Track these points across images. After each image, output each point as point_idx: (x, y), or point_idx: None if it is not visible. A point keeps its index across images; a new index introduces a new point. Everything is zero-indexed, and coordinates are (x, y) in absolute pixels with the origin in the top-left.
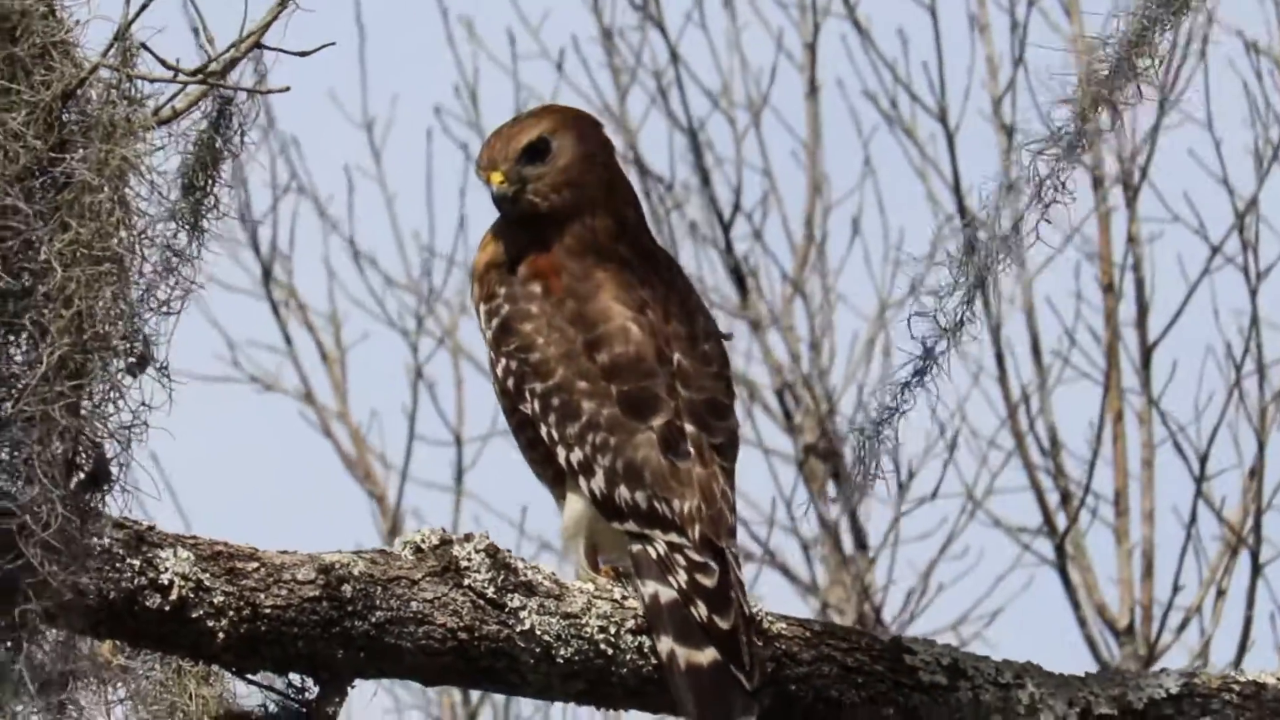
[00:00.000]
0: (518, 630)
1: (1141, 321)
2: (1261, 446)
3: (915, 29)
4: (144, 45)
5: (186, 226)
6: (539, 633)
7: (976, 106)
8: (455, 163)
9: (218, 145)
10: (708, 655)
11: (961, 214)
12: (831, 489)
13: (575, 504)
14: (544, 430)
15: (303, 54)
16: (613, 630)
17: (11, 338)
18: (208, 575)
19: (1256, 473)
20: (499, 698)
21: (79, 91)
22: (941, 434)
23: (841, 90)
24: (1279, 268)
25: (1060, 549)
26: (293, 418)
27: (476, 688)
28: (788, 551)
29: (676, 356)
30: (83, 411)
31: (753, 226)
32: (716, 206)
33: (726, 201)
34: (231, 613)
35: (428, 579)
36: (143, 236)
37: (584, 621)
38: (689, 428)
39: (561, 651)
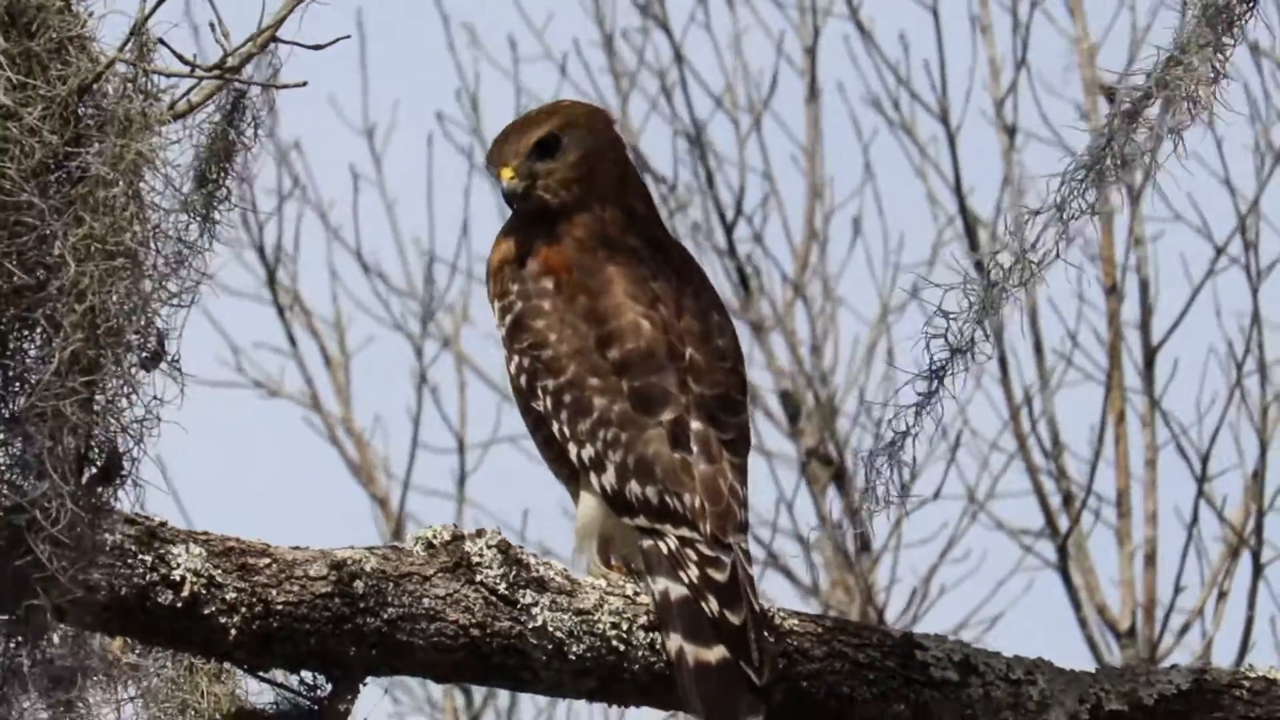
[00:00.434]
0: (530, 627)
1: (1145, 323)
2: (1263, 447)
3: (917, 29)
4: (161, 40)
5: (198, 218)
6: (551, 629)
7: (978, 107)
8: (457, 167)
9: (231, 138)
10: (716, 653)
11: (962, 214)
12: (842, 518)
13: (588, 501)
14: (556, 427)
15: (316, 47)
16: (625, 627)
17: (25, 333)
18: (220, 571)
19: (1258, 473)
20: (502, 702)
21: (95, 86)
22: (943, 436)
23: (842, 93)
24: None
25: (1062, 551)
26: (295, 423)
27: (488, 685)
28: (789, 554)
29: (689, 351)
30: (95, 407)
31: (754, 229)
32: (719, 209)
33: (728, 204)
34: (244, 609)
35: (440, 575)
36: (156, 231)
37: (596, 618)
38: (697, 424)
39: (574, 648)
